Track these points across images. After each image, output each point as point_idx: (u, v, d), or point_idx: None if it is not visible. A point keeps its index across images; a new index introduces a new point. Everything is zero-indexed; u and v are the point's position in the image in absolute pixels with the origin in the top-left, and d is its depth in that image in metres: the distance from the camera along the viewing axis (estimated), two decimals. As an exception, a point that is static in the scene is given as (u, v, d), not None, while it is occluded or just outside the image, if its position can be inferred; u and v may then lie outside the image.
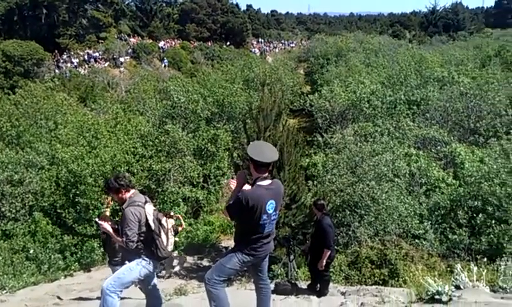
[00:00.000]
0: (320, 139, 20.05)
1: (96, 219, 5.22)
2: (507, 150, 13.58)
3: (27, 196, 14.23)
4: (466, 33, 67.67)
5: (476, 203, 12.28)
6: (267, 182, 4.48)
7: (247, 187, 4.60)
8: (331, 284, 8.32)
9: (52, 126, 18.82)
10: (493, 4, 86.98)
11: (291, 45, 65.72)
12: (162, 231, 4.80)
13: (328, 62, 39.96)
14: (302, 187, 11.87)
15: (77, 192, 13.74)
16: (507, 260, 6.67)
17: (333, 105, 23.62)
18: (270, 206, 4.43)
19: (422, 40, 61.43)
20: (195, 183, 17.81)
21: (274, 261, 10.47)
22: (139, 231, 4.70)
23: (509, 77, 24.96)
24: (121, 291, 4.75)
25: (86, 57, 39.81)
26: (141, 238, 4.74)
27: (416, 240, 11.69)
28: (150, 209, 4.78)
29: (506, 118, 19.09)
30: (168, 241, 4.84)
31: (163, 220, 4.86)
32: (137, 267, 4.79)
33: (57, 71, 35.53)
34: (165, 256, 4.89)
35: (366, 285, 9.26)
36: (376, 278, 9.71)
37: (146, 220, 4.73)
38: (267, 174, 4.49)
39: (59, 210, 13.88)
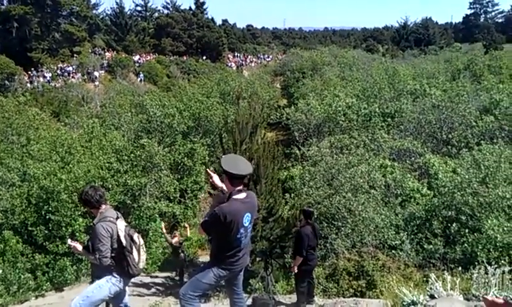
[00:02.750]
0: (297, 151, 20.18)
1: (69, 241, 5.05)
2: (478, 160, 13.90)
3: (-4, 214, 13.75)
4: (437, 47, 69.84)
5: (450, 212, 12.51)
6: (242, 195, 4.44)
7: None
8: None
9: (24, 141, 18.34)
10: (461, 20, 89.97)
11: (267, 59, 66.30)
12: (133, 247, 4.67)
13: (304, 76, 40.43)
14: (279, 200, 11.84)
15: (49, 208, 13.31)
16: (480, 268, 6.78)
17: (309, 118, 23.86)
18: (246, 219, 4.40)
19: (394, 54, 63.02)
20: (172, 198, 17.58)
21: (252, 275, 10.37)
22: (111, 247, 4.59)
23: (478, 89, 25.75)
24: None
25: (59, 71, 39.14)
26: (113, 255, 4.62)
27: (393, 251, 11.79)
28: (121, 225, 4.67)
29: (477, 129, 19.64)
30: (139, 258, 4.72)
31: (135, 236, 4.73)
32: (107, 285, 4.65)
33: (29, 85, 34.78)
34: (136, 274, 4.75)
35: (344, 297, 9.27)
36: (353, 290, 9.72)
37: (118, 236, 4.61)
38: (241, 187, 4.46)
39: (30, 228, 13.41)
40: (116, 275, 4.67)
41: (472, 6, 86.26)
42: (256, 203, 4.66)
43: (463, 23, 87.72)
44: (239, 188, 4.43)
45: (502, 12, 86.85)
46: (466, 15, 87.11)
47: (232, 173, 4.35)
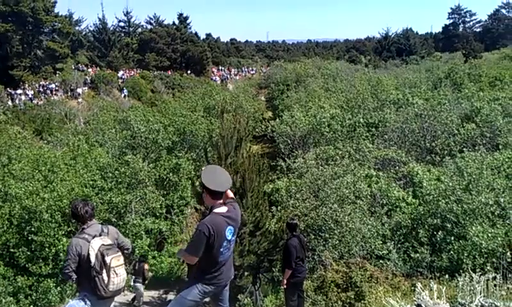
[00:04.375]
0: (283, 164, 20.18)
1: None
2: (461, 168, 14.08)
3: (-23, 236, 13.41)
4: (418, 57, 70.96)
5: (435, 220, 12.59)
6: (223, 209, 4.42)
7: None
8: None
9: (5, 161, 17.97)
10: (440, 30, 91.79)
11: (251, 72, 66.62)
12: (104, 268, 4.50)
13: (288, 88, 40.69)
14: (266, 213, 11.83)
15: (32, 229, 13.05)
16: (465, 276, 6.81)
17: (294, 130, 23.93)
18: (229, 232, 4.38)
19: (377, 64, 63.91)
20: (158, 214, 17.38)
21: (241, 290, 10.27)
22: (78, 264, 4.49)
23: (459, 98, 26.18)
24: None
25: (41, 88, 38.69)
26: (82, 273, 4.52)
27: (381, 261, 11.81)
28: (96, 244, 4.52)
29: (459, 137, 19.91)
30: (109, 280, 4.52)
31: (107, 257, 4.53)
32: (79, 304, 4.53)
33: (10, 103, 34.28)
34: (105, 296, 4.57)
35: (333, 310, 9.25)
36: (342, 302, 9.68)
37: (88, 255, 4.49)
38: (221, 200, 4.44)
39: (12, 250, 13.11)
40: (87, 294, 4.56)
41: (450, 16, 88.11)
42: (239, 215, 4.60)
43: (442, 33, 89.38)
44: (220, 202, 4.42)
45: (479, 21, 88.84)
46: (446, 25, 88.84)
47: (210, 189, 4.33)
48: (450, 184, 13.12)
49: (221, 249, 4.37)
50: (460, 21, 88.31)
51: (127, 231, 15.25)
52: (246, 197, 11.18)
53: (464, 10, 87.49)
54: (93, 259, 4.47)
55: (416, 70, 47.11)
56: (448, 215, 12.33)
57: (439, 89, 30.65)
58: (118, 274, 4.59)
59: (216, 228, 4.27)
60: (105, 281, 4.51)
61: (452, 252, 11.33)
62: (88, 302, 4.55)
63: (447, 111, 21.59)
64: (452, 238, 11.66)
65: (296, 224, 8.12)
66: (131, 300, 12.93)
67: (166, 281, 14.77)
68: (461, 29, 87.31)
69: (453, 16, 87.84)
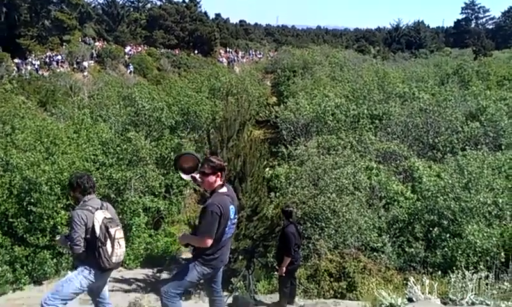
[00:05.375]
0: (284, 150, 20.18)
1: (56, 238, 5.06)
2: (462, 166, 14.05)
3: (-24, 203, 13.53)
4: (427, 51, 70.27)
5: (432, 216, 12.64)
6: (225, 189, 4.60)
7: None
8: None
9: (9, 130, 18.03)
10: (452, 25, 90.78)
11: (259, 56, 66.16)
12: (108, 240, 4.57)
13: (295, 74, 40.44)
14: (264, 198, 11.87)
15: (31, 200, 13.14)
16: (458, 273, 6.87)
17: (297, 117, 23.88)
18: (231, 211, 4.53)
19: (385, 56, 63.33)
20: (157, 193, 17.47)
21: (234, 274, 10.37)
22: (84, 236, 4.52)
23: (466, 95, 25.99)
24: (64, 303, 4.52)
25: (47, 59, 38.57)
26: (86, 244, 4.55)
27: (375, 253, 11.88)
28: (99, 216, 4.58)
29: (462, 134, 19.82)
30: (113, 251, 4.59)
31: (111, 229, 4.61)
32: (78, 277, 4.58)
33: (16, 73, 34.22)
34: (107, 268, 4.64)
35: (324, 298, 9.33)
36: (334, 291, 9.78)
37: (93, 226, 4.53)
38: (222, 182, 4.60)
39: (10, 219, 13.22)
40: (88, 268, 4.60)
41: (463, 11, 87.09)
42: (235, 196, 4.79)
43: (454, 28, 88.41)
44: (220, 183, 4.54)
45: (492, 18, 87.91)
46: (458, 19, 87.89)
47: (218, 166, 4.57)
48: (450, 181, 13.11)
49: (226, 229, 4.48)
50: (473, 17, 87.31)
51: (125, 208, 15.38)
52: (246, 182, 11.22)
53: (478, 6, 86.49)
54: (97, 230, 4.52)
55: (424, 64, 46.68)
56: (445, 212, 12.36)
57: (446, 85, 30.42)
58: (120, 245, 4.69)
59: (224, 207, 4.40)
60: (109, 252, 4.57)
61: (446, 249, 11.39)
62: (89, 275, 4.60)
63: (452, 108, 21.48)
64: (448, 235, 11.69)
65: (292, 211, 8.13)
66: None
67: (160, 260, 14.90)
68: (473, 25, 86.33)
69: (466, 11, 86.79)
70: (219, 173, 4.55)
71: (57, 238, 5.05)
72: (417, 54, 66.28)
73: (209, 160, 4.58)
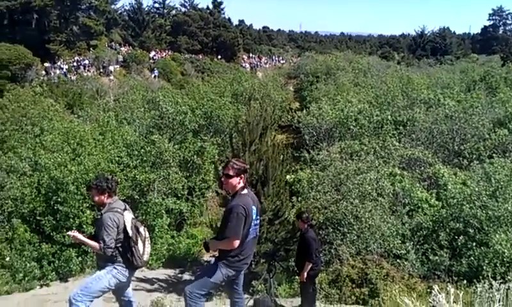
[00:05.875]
0: (307, 155, 20.10)
1: (69, 232, 5.08)
2: (489, 173, 13.73)
3: (6, 201, 13.94)
4: (453, 57, 69.03)
5: (458, 225, 12.37)
6: (246, 191, 4.66)
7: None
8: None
9: (38, 132, 18.58)
10: (479, 31, 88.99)
11: (281, 61, 66.23)
12: (139, 239, 4.71)
13: (317, 80, 40.31)
14: (286, 202, 11.83)
15: (58, 199, 13.49)
16: (484, 283, 6.70)
17: (320, 122, 23.77)
18: (253, 212, 4.58)
19: (410, 62, 62.48)
20: (179, 195, 17.66)
21: (255, 276, 10.38)
22: (116, 237, 4.62)
23: (493, 102, 25.42)
24: (91, 300, 4.62)
25: (75, 63, 39.57)
26: (118, 246, 4.66)
27: (398, 260, 11.71)
28: (128, 216, 4.71)
29: (489, 142, 19.37)
30: (144, 250, 4.75)
31: (141, 228, 4.77)
32: (107, 276, 4.68)
33: (45, 76, 35.22)
34: (140, 265, 4.78)
35: (346, 304, 9.25)
36: (356, 297, 9.68)
37: (124, 227, 4.65)
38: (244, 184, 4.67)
39: (38, 217, 13.61)
40: (118, 267, 4.69)
41: (491, 18, 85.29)
42: (256, 199, 4.85)
43: (481, 35, 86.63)
44: (242, 185, 4.61)
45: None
46: (485, 26, 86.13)
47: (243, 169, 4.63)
48: (476, 189, 12.83)
49: (250, 230, 4.53)
50: (501, 23, 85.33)
51: (149, 209, 15.58)
52: (268, 185, 11.21)
53: (506, 12, 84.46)
54: (129, 230, 4.63)
55: (450, 71, 45.87)
56: (471, 221, 12.09)
57: (472, 91, 29.79)
58: (149, 243, 4.85)
59: (247, 208, 4.45)
60: (141, 251, 4.70)
61: (472, 258, 11.14)
62: (118, 274, 4.70)
63: (479, 115, 21.03)
64: (474, 244, 11.44)
65: (308, 216, 8.12)
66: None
67: (182, 261, 15.02)
68: (501, 32, 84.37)
69: (494, 17, 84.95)
70: (242, 175, 4.61)
71: (70, 233, 4.96)
72: (443, 61, 65.16)
73: (232, 163, 4.63)
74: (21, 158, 15.66)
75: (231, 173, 4.57)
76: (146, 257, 4.80)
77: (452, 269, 11.22)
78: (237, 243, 4.42)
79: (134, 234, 4.67)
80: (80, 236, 4.90)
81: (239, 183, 4.59)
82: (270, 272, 8.97)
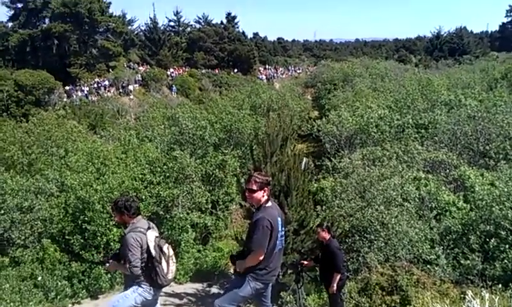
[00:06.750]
0: (328, 163, 19.98)
1: (106, 266, 5.21)
2: (518, 173, 13.40)
3: (36, 222, 14.25)
4: (472, 57, 67.95)
5: (488, 227, 12.04)
6: (270, 203, 4.68)
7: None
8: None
9: (63, 153, 19.00)
10: (497, 28, 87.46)
11: (298, 71, 66.34)
12: (163, 258, 4.72)
13: (335, 87, 40.20)
14: (310, 212, 11.78)
15: (85, 218, 13.73)
16: (522, 286, 6.51)
17: (340, 129, 23.63)
18: (279, 223, 4.61)
19: (427, 64, 61.83)
20: (203, 209, 17.74)
21: (283, 288, 10.32)
22: (141, 257, 4.67)
23: (517, 99, 24.83)
24: None
25: (95, 85, 40.49)
26: (142, 265, 4.70)
27: (428, 266, 11.45)
28: (151, 236, 4.74)
29: (516, 141, 18.90)
30: (168, 268, 4.76)
31: (164, 247, 4.78)
32: (133, 295, 4.73)
33: (67, 99, 36.13)
34: (165, 284, 4.81)
35: (377, 312, 9.10)
36: (386, 305, 9.50)
37: (147, 246, 4.68)
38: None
39: (67, 237, 13.86)
40: (144, 286, 4.74)
41: (508, 14, 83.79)
42: (280, 210, 4.88)
43: (499, 32, 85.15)
44: (266, 197, 4.64)
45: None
46: (503, 23, 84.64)
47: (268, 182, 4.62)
48: (506, 189, 12.51)
49: (277, 242, 4.53)
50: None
51: (174, 224, 15.68)
52: (291, 196, 11.20)
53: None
54: (152, 250, 4.67)
55: (469, 70, 45.14)
56: (502, 222, 11.75)
57: (494, 90, 29.20)
58: (174, 262, 4.82)
59: (273, 220, 4.45)
60: (165, 270, 4.72)
61: (506, 261, 10.82)
62: (144, 292, 4.75)
63: (502, 113, 20.55)
64: (507, 246, 11.11)
65: (329, 226, 8.08)
66: None
67: (209, 275, 15.05)
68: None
69: (511, 14, 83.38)
70: (265, 188, 4.62)
71: (107, 265, 5.17)
72: (461, 61, 64.20)
73: (255, 177, 4.63)
74: (48, 179, 16.01)
75: (254, 187, 4.57)
76: (170, 276, 4.81)
77: (486, 273, 10.90)
78: (262, 256, 4.42)
79: (158, 253, 4.70)
80: (114, 265, 5.01)
81: (263, 196, 4.60)
82: (298, 282, 8.88)
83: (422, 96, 26.54)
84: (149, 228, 4.82)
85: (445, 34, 77.98)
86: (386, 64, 52.22)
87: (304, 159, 12.47)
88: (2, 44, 40.72)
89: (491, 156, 18.44)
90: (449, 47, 74.53)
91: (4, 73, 35.17)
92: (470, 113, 20.80)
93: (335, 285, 7.53)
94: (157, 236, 4.82)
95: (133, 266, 4.64)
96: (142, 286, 4.74)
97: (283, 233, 4.72)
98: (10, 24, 43.79)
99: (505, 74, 34.62)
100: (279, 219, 4.59)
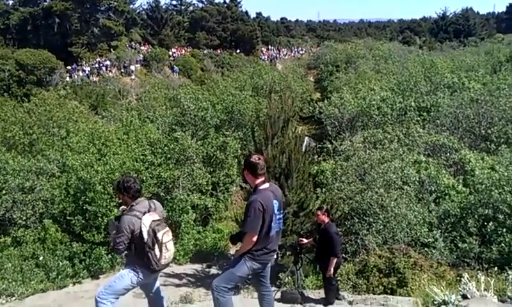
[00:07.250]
0: (329, 146, 19.96)
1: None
2: (519, 157, 13.37)
3: (37, 203, 14.38)
4: (477, 39, 67.10)
5: (487, 211, 12.06)
6: (266, 185, 4.66)
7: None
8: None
9: (64, 134, 19.04)
10: (504, 9, 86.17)
11: (301, 52, 65.76)
12: (156, 244, 4.66)
13: (338, 69, 39.92)
14: (310, 194, 11.83)
15: (86, 199, 13.83)
16: (517, 270, 6.56)
17: (342, 112, 23.56)
18: (275, 206, 4.58)
19: (432, 46, 61.18)
20: (204, 190, 17.83)
21: (282, 269, 10.42)
22: (130, 240, 4.66)
23: (521, 83, 24.58)
24: (116, 298, 4.71)
25: (96, 65, 40.27)
26: (134, 248, 4.70)
27: (426, 249, 11.53)
28: (147, 220, 4.67)
29: (518, 125, 18.81)
30: (161, 255, 4.69)
31: (159, 234, 4.68)
32: (129, 275, 4.74)
33: (69, 79, 35.99)
34: (157, 270, 4.77)
35: (374, 294, 9.20)
36: (383, 287, 9.60)
37: (140, 231, 4.64)
38: (263, 178, 4.66)
39: (68, 217, 13.97)
40: (137, 268, 4.75)
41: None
42: (281, 192, 4.84)
43: (506, 13, 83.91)
44: (262, 179, 4.62)
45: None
46: (510, 4, 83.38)
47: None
48: (506, 174, 12.50)
49: (272, 224, 4.55)
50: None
51: (174, 206, 15.80)
52: (291, 178, 11.23)
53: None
54: (145, 235, 4.62)
55: (474, 53, 44.65)
56: (501, 206, 11.76)
57: (498, 73, 28.93)
58: (168, 248, 4.76)
59: (266, 202, 4.47)
60: (158, 256, 4.68)
61: (503, 244, 10.87)
62: (139, 273, 4.80)
63: (506, 97, 20.39)
64: (504, 230, 11.15)
65: (328, 209, 8.09)
66: None
67: (209, 256, 15.21)
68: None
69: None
70: (245, 170, 4.68)
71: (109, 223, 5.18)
72: (466, 43, 63.45)
73: (247, 158, 4.70)
74: (49, 160, 16.08)
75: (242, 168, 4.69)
76: (164, 261, 4.74)
77: (482, 256, 10.98)
78: (254, 237, 4.45)
79: (150, 239, 4.62)
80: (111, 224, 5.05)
81: (249, 177, 4.65)
82: (296, 264, 8.97)
83: (425, 79, 26.34)
84: (148, 211, 4.75)
85: (450, 15, 76.90)
86: (390, 46, 51.73)
87: (306, 139, 12.50)
88: (3, 22, 40.41)
89: (493, 140, 18.38)
90: (454, 29, 73.54)
91: (5, 52, 35.00)
92: (473, 96, 20.67)
93: (332, 269, 7.59)
94: (154, 221, 4.71)
95: (116, 247, 4.68)
96: (136, 268, 4.75)
97: (281, 216, 4.71)
98: (11, 2, 43.47)
99: (510, 57, 34.24)
100: (275, 201, 4.57)
